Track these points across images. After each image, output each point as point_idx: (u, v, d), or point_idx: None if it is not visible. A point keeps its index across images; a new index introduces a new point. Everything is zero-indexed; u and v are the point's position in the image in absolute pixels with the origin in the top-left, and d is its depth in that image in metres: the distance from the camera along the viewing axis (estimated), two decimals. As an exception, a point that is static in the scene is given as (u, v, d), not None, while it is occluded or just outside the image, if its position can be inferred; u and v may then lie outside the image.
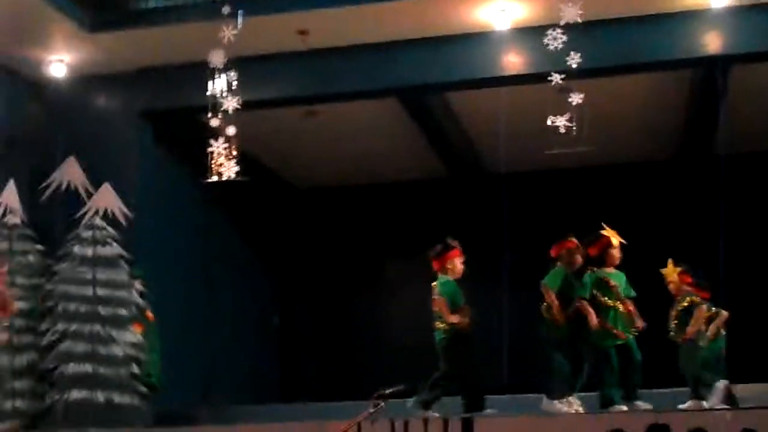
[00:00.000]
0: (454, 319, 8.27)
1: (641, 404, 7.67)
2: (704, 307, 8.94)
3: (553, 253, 8.59)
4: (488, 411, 7.81)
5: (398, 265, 16.73)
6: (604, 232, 8.18)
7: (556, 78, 10.52)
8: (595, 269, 8.15)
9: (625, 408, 7.50)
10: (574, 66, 10.42)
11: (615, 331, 7.84)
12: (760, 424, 5.67)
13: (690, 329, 8.89)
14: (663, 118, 13.94)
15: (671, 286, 9.33)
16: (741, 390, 8.93)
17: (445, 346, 8.28)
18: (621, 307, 7.94)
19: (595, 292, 8.06)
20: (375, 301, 16.53)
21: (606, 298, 8.01)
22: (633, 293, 8.10)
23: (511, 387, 10.75)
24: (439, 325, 8.40)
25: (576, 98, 10.61)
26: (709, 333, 9.02)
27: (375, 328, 16.23)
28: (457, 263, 8.54)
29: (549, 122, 10.68)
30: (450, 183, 16.13)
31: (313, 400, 14.03)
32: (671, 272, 9.39)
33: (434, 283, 8.67)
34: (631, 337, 7.89)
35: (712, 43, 11.60)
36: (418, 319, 15.92)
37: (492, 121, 12.99)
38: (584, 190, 15.40)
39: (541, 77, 10.83)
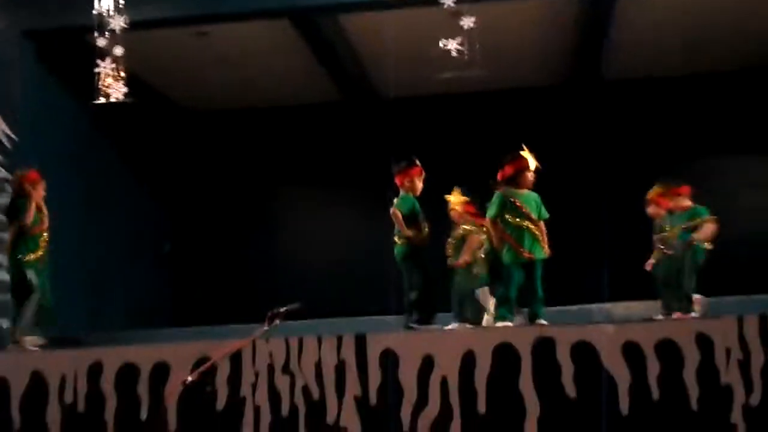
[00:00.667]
0: (410, 233, 8.42)
1: (543, 322, 7.89)
2: (477, 236, 9.34)
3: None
4: (435, 326, 8.21)
5: (291, 190, 16.73)
6: (522, 153, 8.29)
7: (448, 1, 10.56)
8: (504, 189, 8.28)
9: (511, 324, 7.73)
10: (466, -10, 10.48)
11: (521, 250, 8.00)
12: (644, 338, 5.92)
13: (462, 257, 9.40)
14: (553, 42, 14.12)
15: (452, 213, 9.77)
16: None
17: (402, 258, 8.46)
18: (531, 227, 8.09)
19: (502, 211, 8.21)
20: (268, 226, 16.53)
21: (514, 218, 8.16)
22: (546, 215, 8.27)
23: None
24: (397, 239, 8.56)
25: (467, 22, 10.69)
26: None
27: (268, 252, 16.25)
28: (417, 181, 8.65)
29: (441, 46, 10.76)
30: (343, 107, 16.10)
31: (207, 324, 14.05)
32: (456, 200, 9.78)
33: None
34: (539, 257, 8.08)
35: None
36: (310, 244, 16.21)
37: (385, 45, 12.98)
38: (475, 115, 15.59)
39: (433, 1, 10.85)
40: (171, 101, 16.09)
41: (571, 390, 5.86)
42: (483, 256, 9.15)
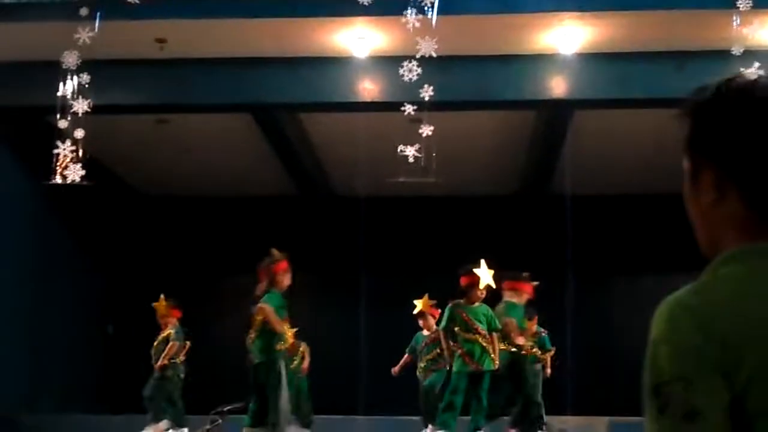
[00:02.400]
0: (281, 329, 8.23)
1: None
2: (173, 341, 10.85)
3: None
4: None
5: (238, 281, 16.68)
6: (476, 270, 8.46)
7: (409, 108, 10.81)
8: (455, 302, 8.50)
9: None
10: (427, 98, 10.75)
11: (468, 361, 8.14)
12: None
13: (162, 360, 10.77)
14: (507, 155, 14.46)
15: (159, 318, 11.28)
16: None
17: (267, 362, 8.14)
18: (480, 340, 8.25)
19: (450, 324, 8.41)
20: (215, 315, 16.43)
21: (463, 331, 8.32)
22: (498, 326, 8.43)
23: (366, 406, 11.01)
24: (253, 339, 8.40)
25: (426, 130, 10.93)
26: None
27: (212, 342, 16.12)
28: (284, 277, 8.46)
29: (399, 150, 10.97)
30: (298, 202, 16.24)
31: (143, 412, 13.84)
32: (161, 306, 11.39)
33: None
34: (487, 368, 8.22)
35: (558, 87, 12.10)
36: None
37: (343, 145, 13.22)
38: (427, 219, 15.80)
39: (394, 106, 11.09)
40: (128, 185, 16.14)
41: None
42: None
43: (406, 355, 10.69)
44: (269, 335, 8.06)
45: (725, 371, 1.32)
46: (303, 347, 10.78)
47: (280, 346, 8.08)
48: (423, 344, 10.38)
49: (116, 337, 16.26)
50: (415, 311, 10.40)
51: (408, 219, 15.85)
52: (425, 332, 10.34)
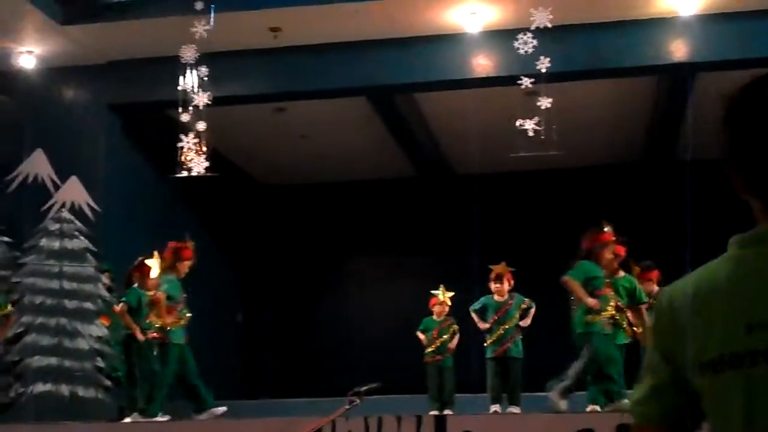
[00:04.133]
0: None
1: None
2: None
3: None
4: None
5: (362, 263, 16.82)
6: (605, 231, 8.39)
7: (526, 82, 10.66)
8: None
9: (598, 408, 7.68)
10: (543, 70, 10.58)
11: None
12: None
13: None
14: (628, 123, 14.14)
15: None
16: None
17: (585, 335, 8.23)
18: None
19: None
20: (340, 299, 16.59)
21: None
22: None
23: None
24: None
25: (544, 102, 10.77)
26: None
27: (338, 324, 16.29)
28: (605, 249, 8.40)
29: (517, 125, 10.84)
30: (416, 182, 16.22)
31: (276, 397, 14.06)
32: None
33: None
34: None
35: (678, 50, 11.77)
36: (382, 317, 16.20)
37: (460, 123, 13.11)
38: (550, 193, 15.57)
39: (510, 80, 10.96)
40: (248, 175, 16.37)
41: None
42: None
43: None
44: (584, 306, 8.17)
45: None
46: (454, 327, 10.72)
47: (591, 318, 8.12)
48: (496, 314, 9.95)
49: (247, 325, 16.56)
50: (492, 275, 10.00)
51: (529, 194, 15.65)
52: (497, 297, 9.88)
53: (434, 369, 10.56)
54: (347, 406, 5.12)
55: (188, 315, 9.25)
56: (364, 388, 5.69)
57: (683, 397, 1.60)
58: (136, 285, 9.75)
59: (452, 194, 15.21)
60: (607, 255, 8.34)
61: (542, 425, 5.95)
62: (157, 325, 9.04)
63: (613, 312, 8.12)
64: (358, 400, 5.45)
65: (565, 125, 10.83)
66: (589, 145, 14.32)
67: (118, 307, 9.74)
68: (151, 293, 9.34)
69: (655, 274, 9.11)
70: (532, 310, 9.69)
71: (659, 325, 1.66)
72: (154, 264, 9.57)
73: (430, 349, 10.64)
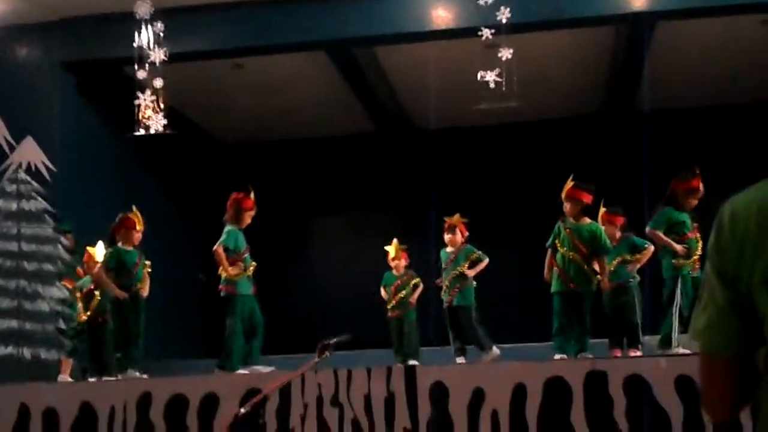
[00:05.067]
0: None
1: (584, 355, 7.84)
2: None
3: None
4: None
5: (326, 219, 16.75)
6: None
7: (486, 33, 10.60)
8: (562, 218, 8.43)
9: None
10: (504, 21, 10.52)
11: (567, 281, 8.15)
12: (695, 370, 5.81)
13: None
14: (589, 73, 14.13)
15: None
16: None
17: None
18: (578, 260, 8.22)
19: (553, 240, 8.42)
20: (304, 256, 16.54)
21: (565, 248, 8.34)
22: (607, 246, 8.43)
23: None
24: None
25: (505, 53, 10.72)
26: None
27: (305, 283, 16.24)
28: (692, 196, 8.46)
29: (479, 77, 10.79)
30: (377, 138, 16.13)
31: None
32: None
33: None
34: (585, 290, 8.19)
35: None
36: (346, 272, 16.17)
37: (420, 76, 13.02)
38: (511, 146, 15.57)
39: (470, 32, 10.88)
40: (206, 132, 16.18)
41: (623, 424, 5.78)
42: None
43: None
44: (671, 252, 8.23)
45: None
46: (415, 280, 10.74)
47: (680, 263, 8.19)
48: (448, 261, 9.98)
49: (210, 285, 16.43)
50: (446, 225, 10.02)
51: (490, 148, 15.63)
52: (449, 248, 9.90)
53: (396, 323, 10.61)
54: (317, 359, 5.08)
55: (253, 265, 9.06)
56: (333, 340, 5.66)
57: (747, 322, 1.54)
58: (119, 243, 9.48)
59: (412, 149, 15.16)
60: (693, 202, 8.41)
61: (511, 373, 5.96)
62: (223, 278, 8.87)
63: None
64: (327, 353, 5.41)
65: (525, 77, 10.79)
66: (548, 96, 14.31)
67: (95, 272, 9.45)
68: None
69: (620, 219, 9.13)
70: (483, 263, 9.61)
71: (719, 242, 1.58)
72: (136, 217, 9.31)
73: (391, 304, 10.69)
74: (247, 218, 8.99)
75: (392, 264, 10.84)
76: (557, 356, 7.73)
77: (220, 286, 8.91)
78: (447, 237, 9.68)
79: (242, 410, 4.70)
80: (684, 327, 7.95)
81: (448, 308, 9.46)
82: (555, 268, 8.20)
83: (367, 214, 16.43)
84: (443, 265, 9.74)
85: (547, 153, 14.89)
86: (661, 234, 8.25)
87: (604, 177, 14.53)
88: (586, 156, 14.80)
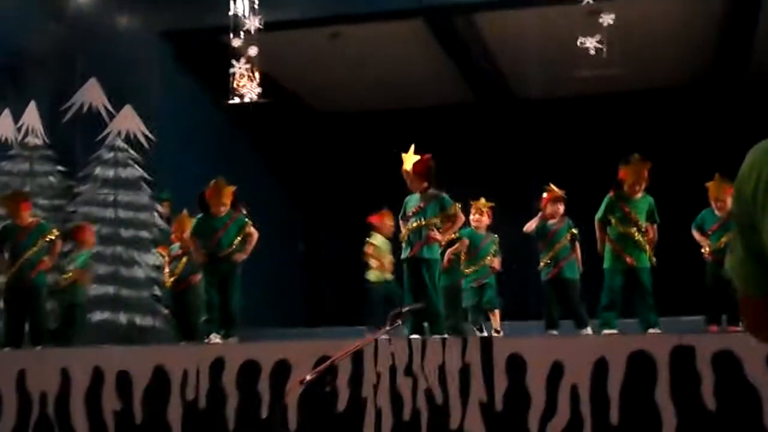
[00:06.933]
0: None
1: (654, 330, 7.55)
2: None
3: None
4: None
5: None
6: (637, 159, 8.00)
7: (587, -2, 10.29)
8: (616, 193, 8.01)
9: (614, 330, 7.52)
10: (605, -16, 10.19)
11: (623, 256, 7.76)
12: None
13: None
14: (696, 37, 13.56)
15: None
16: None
17: None
18: (637, 234, 7.81)
19: (609, 216, 7.94)
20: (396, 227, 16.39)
21: (620, 224, 7.89)
22: (657, 220, 7.96)
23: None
24: None
25: (606, 19, 10.39)
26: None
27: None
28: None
29: (578, 44, 10.48)
30: (476, 108, 15.85)
31: (337, 324, 14.01)
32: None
33: None
34: (642, 264, 7.78)
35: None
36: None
37: (520, 44, 12.70)
38: (614, 116, 15.10)
39: (571, -2, 10.58)
40: (302, 102, 16.15)
41: (711, 402, 5.48)
42: None
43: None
44: None
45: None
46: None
47: None
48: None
49: (307, 254, 16.50)
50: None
51: (592, 117, 15.19)
52: (551, 221, 9.43)
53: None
54: (388, 327, 4.95)
55: None
56: (406, 308, 5.54)
57: (765, 267, 1.55)
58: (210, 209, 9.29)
59: (513, 119, 14.85)
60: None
61: (593, 347, 5.71)
62: None
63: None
64: (399, 321, 5.29)
65: (628, 44, 10.43)
66: (653, 64, 13.80)
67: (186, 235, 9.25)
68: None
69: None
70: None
71: (738, 189, 1.59)
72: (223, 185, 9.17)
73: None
74: None
75: (474, 221, 10.24)
76: (605, 331, 7.49)
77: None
78: (549, 209, 9.25)
79: (307, 377, 4.59)
80: None
81: (551, 280, 9.06)
82: (608, 243, 7.90)
83: (465, 186, 16.18)
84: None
85: (651, 123, 14.38)
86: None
87: (712, 147, 14.07)
88: (691, 126, 14.27)
